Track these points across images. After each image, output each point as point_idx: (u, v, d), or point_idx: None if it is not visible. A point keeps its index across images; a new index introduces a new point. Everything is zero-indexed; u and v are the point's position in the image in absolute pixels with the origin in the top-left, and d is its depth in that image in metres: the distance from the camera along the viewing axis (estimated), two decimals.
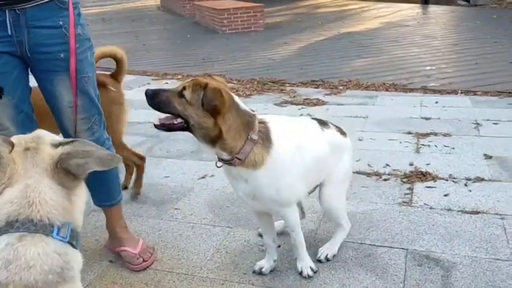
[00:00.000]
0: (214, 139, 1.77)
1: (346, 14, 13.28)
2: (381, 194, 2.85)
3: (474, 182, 2.91)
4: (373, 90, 5.38)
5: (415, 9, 13.46)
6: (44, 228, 1.01)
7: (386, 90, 5.34)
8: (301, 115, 4.34)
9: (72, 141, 1.13)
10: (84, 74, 1.97)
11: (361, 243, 2.37)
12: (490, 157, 3.26)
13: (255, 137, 1.80)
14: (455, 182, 2.93)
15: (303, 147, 1.97)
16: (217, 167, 1.91)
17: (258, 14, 11.05)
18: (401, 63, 6.67)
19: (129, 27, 13.09)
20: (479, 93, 4.98)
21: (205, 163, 3.44)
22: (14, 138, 1.13)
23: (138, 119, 4.63)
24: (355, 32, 9.92)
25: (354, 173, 3.13)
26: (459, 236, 2.36)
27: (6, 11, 1.78)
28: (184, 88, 1.74)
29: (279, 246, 2.26)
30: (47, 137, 1.15)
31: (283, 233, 2.41)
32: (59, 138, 1.20)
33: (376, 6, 15.07)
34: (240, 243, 2.43)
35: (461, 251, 2.23)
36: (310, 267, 2.15)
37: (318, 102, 4.92)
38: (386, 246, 2.32)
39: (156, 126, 1.84)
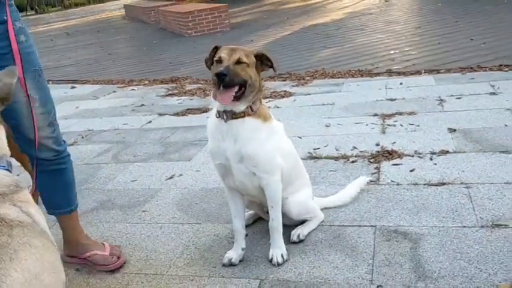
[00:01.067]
0: (253, 95, 1.98)
1: (311, 8, 13.37)
2: (348, 175, 2.85)
3: (439, 155, 2.94)
4: (339, 78, 5.40)
5: None
6: None
7: (352, 76, 5.37)
8: (269, 108, 4.33)
9: None
10: (36, 66, 1.94)
11: (331, 225, 2.35)
12: (454, 130, 3.29)
13: (261, 99, 2.07)
14: (420, 157, 2.94)
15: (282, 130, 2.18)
16: (225, 121, 1.98)
17: (223, 14, 11.02)
18: (366, 50, 6.73)
19: (94, 38, 12.91)
20: (443, 71, 5.05)
21: (172, 163, 3.39)
22: None
23: (103, 127, 4.56)
24: (320, 24, 9.99)
25: (322, 158, 3.16)
26: (426, 208, 2.37)
27: None
28: (239, 58, 1.93)
29: (246, 235, 2.23)
30: None
31: (249, 225, 2.40)
32: None
33: None
34: (210, 238, 2.40)
35: (428, 223, 2.24)
36: (282, 255, 2.12)
37: (286, 94, 4.92)
38: (355, 226, 2.31)
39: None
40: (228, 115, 1.98)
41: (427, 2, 11.28)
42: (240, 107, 1.97)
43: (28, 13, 31.69)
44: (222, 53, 1.95)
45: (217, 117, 2.01)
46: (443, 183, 2.57)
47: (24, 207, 1.20)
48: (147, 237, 2.47)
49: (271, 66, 2.02)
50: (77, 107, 5.49)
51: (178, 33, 11.29)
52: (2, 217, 1.13)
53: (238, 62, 1.92)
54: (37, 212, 1.25)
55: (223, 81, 1.87)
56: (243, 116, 1.97)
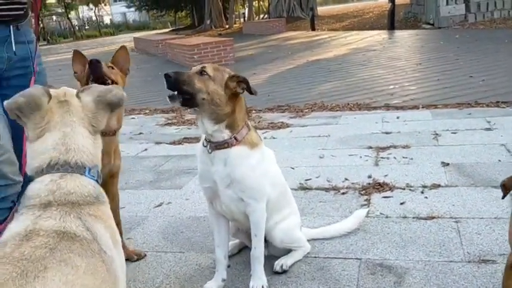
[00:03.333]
0: (221, 116, 1.91)
1: (316, 44, 13.59)
2: (338, 207, 2.80)
3: (431, 189, 2.89)
4: (337, 110, 5.41)
5: (381, 35, 13.87)
6: (79, 169, 1.25)
7: (350, 109, 5.38)
8: (265, 138, 4.33)
9: (83, 90, 1.36)
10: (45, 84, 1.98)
11: (315, 257, 2.30)
12: (447, 164, 3.26)
13: (249, 124, 2.02)
14: (412, 191, 2.90)
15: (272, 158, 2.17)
16: (209, 152, 1.96)
17: (228, 48, 11.22)
18: (366, 85, 6.78)
19: None
20: (440, 106, 5.06)
21: (163, 191, 3.36)
22: (51, 91, 1.32)
23: None
24: (323, 59, 10.12)
25: (312, 189, 3.12)
26: (413, 242, 2.31)
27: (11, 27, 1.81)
28: (204, 67, 1.90)
29: (228, 266, 2.18)
30: (70, 90, 1.37)
31: (234, 255, 2.35)
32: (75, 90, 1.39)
33: (344, 34, 15.50)
34: (191, 267, 2.34)
35: (414, 256, 2.18)
36: (262, 286, 2.06)
37: (282, 125, 4.92)
38: (340, 258, 2.25)
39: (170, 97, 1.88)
40: (211, 146, 1.96)
41: (429, 41, 11.45)
42: (219, 134, 1.93)
43: (40, 43, 32.48)
44: (202, 65, 1.95)
45: (204, 145, 2.01)
46: (433, 217, 2.52)
47: (89, 222, 1.16)
48: (127, 265, 2.42)
49: (247, 88, 1.95)
50: None
51: (184, 65, 11.47)
52: (57, 229, 1.09)
53: (202, 72, 1.89)
54: (105, 231, 1.18)
55: (167, 81, 1.85)
56: (227, 147, 1.94)
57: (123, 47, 2.38)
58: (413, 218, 2.55)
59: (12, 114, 1.26)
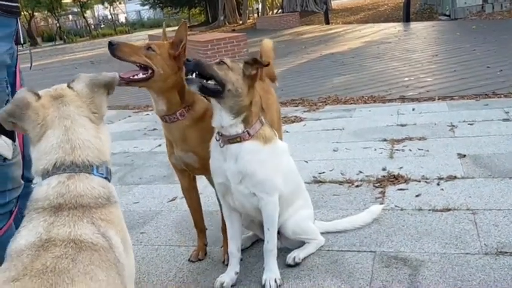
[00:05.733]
0: (241, 109, 1.89)
1: (329, 37, 13.48)
2: (352, 200, 2.77)
3: (446, 180, 2.84)
4: (351, 104, 5.36)
5: (396, 27, 13.67)
6: (86, 168, 1.21)
7: (365, 102, 5.32)
8: None
9: (72, 80, 1.33)
10: None
11: (329, 249, 2.28)
12: (464, 156, 3.19)
13: (263, 119, 1.99)
14: (427, 183, 2.85)
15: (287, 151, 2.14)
16: (221, 146, 1.95)
17: (241, 43, 11.17)
18: (381, 77, 6.69)
19: (117, 66, 13.21)
20: (456, 97, 4.96)
21: (176, 186, 3.36)
22: (41, 91, 1.29)
23: (114, 150, 4.59)
24: (337, 52, 10.03)
25: (326, 182, 3.09)
26: (429, 234, 2.27)
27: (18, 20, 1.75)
28: (222, 59, 1.89)
29: (241, 259, 2.17)
30: (61, 85, 1.33)
31: (247, 248, 2.35)
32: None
33: (359, 27, 15.33)
34: (205, 261, 2.34)
35: (430, 249, 2.14)
36: (275, 279, 2.05)
37: (296, 119, 4.89)
38: (354, 251, 2.23)
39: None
40: (223, 139, 1.95)
41: (446, 32, 11.25)
42: (233, 128, 1.92)
43: (57, 43, 32.90)
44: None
45: (216, 139, 2.00)
46: (449, 209, 2.47)
47: (103, 227, 1.12)
48: (142, 259, 2.43)
49: (258, 63, 1.92)
50: None
51: None
52: (73, 237, 1.06)
53: (220, 63, 1.89)
54: (118, 235, 1.15)
55: (186, 65, 1.84)
56: (240, 141, 1.93)
57: (184, 23, 2.06)
58: (429, 210, 2.51)
59: (7, 124, 1.23)
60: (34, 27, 35.95)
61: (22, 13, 32.85)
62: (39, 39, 34.19)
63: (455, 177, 2.86)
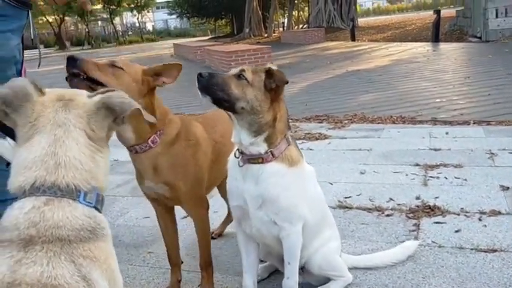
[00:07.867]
0: (261, 127, 1.67)
1: (355, 54, 13.24)
2: (382, 231, 2.50)
3: (489, 216, 2.55)
4: (379, 123, 5.09)
5: (425, 47, 13.36)
6: (71, 193, 1.00)
7: (393, 122, 5.05)
8: (301, 149, 4.06)
9: (102, 91, 1.14)
10: None
11: None
12: (507, 188, 2.89)
13: (290, 138, 1.76)
14: (467, 217, 2.56)
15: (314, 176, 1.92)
16: (240, 166, 1.73)
17: (266, 56, 11.03)
18: (410, 97, 6.41)
19: None
20: (493, 123, 4.65)
21: None
22: (48, 89, 1.11)
23: (127, 158, 4.41)
24: (363, 69, 9.77)
25: (353, 208, 2.83)
26: (473, 278, 1.99)
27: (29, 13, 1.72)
28: (243, 70, 1.67)
29: None
30: (84, 92, 1.15)
31: (263, 280, 2.10)
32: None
33: (385, 45, 15.06)
34: None
35: None
36: None
37: (320, 136, 4.64)
38: None
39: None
40: (243, 158, 1.72)
41: (477, 54, 10.89)
42: (255, 147, 1.69)
43: (84, 47, 33.42)
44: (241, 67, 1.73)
45: (236, 157, 1.77)
46: (495, 250, 2.18)
47: (85, 267, 0.91)
48: (148, 283, 2.21)
49: (279, 94, 1.69)
50: None
51: (221, 71, 11.37)
52: (45, 281, 0.85)
53: (240, 76, 1.66)
54: (104, 277, 0.94)
55: (199, 81, 1.63)
56: (261, 162, 1.70)
57: (179, 65, 1.96)
58: (472, 249, 2.22)
59: None
60: (64, 31, 36.67)
61: (53, 17, 33.94)
62: (68, 43, 34.85)
63: (499, 213, 2.57)
